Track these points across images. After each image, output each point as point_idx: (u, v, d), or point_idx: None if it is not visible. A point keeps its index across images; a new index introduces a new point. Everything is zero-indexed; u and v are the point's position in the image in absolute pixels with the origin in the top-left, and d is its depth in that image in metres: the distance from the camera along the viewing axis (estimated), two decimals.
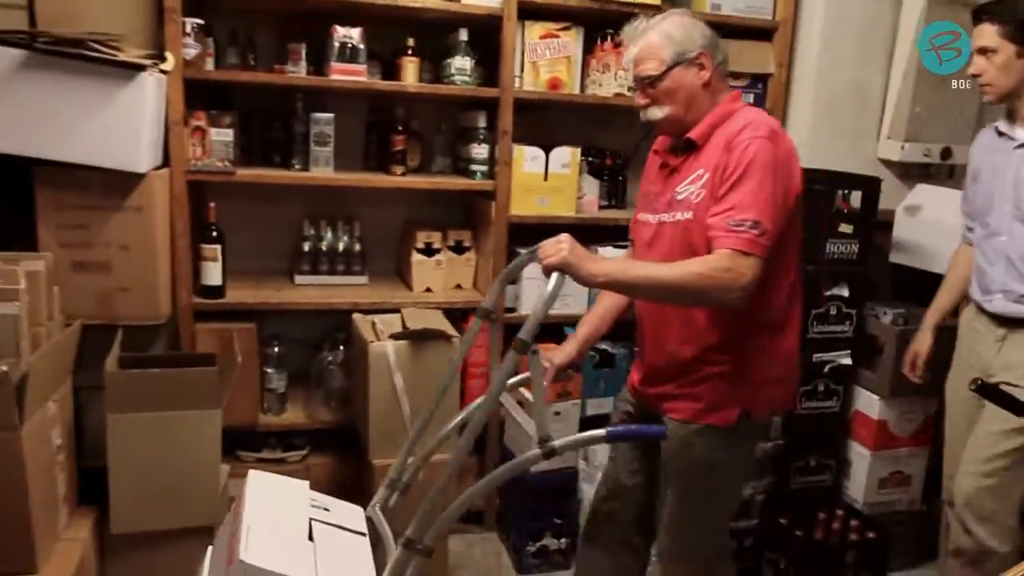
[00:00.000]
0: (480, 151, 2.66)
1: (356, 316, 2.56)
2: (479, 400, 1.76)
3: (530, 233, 2.73)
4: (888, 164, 2.86)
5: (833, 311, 2.54)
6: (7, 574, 1.80)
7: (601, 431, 1.51)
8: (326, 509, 1.70)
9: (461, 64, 2.57)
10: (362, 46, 2.49)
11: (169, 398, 2.08)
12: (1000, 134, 2.12)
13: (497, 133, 2.62)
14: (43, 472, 1.91)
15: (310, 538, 1.53)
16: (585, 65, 2.74)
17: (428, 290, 2.73)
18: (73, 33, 2.04)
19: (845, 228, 2.50)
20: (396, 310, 2.56)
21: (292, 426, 2.66)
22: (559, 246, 1.59)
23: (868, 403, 2.63)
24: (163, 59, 2.23)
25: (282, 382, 2.64)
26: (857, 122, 2.82)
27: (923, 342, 2.33)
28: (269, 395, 2.64)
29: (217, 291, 2.48)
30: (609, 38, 2.69)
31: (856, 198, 2.52)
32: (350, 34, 2.46)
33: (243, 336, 2.49)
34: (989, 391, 1.64)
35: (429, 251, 2.73)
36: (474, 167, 2.67)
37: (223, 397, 2.19)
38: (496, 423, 2.80)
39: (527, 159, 2.67)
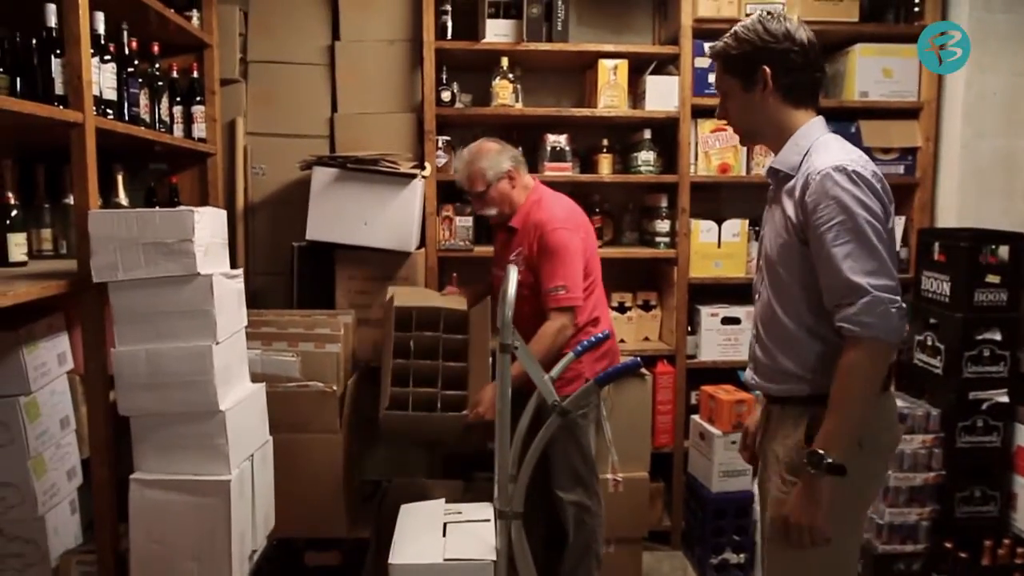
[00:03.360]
0: (663, 226, 3.23)
1: None
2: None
3: (707, 291, 3.28)
4: None
5: (986, 353, 2.83)
6: (329, 537, 2.50)
7: (591, 380, 2.02)
8: (458, 512, 2.34)
9: (646, 157, 3.19)
10: (568, 147, 3.18)
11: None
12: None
13: (677, 210, 3.19)
14: (351, 466, 2.64)
15: (444, 535, 2.17)
16: (750, 150, 3.26)
17: (622, 341, 3.29)
18: (368, 154, 2.86)
19: (992, 279, 2.82)
20: None
21: None
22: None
23: None
24: (423, 167, 3.01)
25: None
26: (1007, 184, 3.13)
27: (751, 418, 2.00)
28: None
29: None
30: None
31: (1004, 251, 2.84)
32: (558, 139, 3.16)
33: None
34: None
35: (622, 309, 3.32)
36: (658, 239, 3.25)
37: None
38: (681, 454, 3.28)
39: (702, 231, 3.20)
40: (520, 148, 3.21)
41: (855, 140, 3.19)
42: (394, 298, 2.60)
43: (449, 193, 3.25)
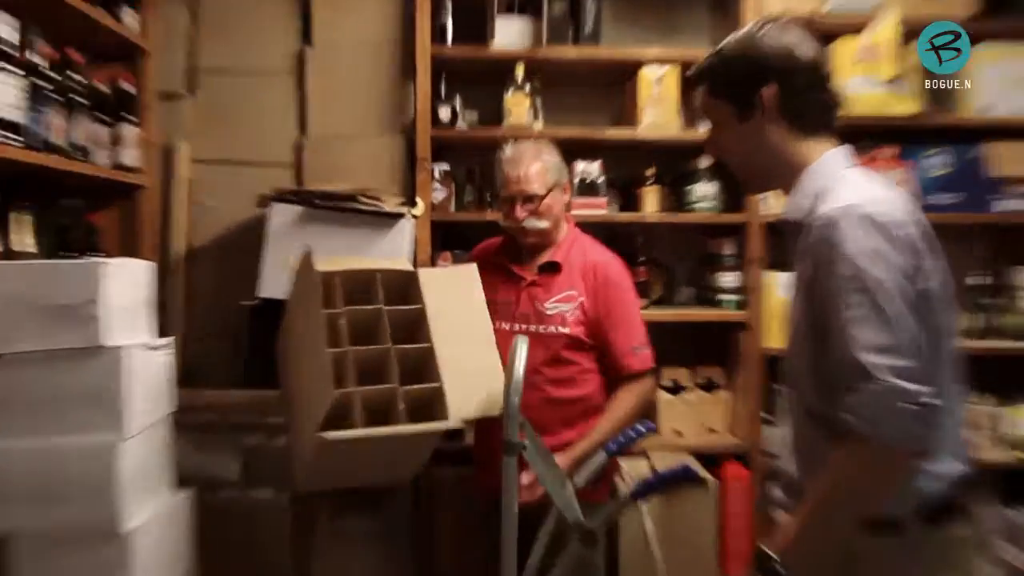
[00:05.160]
0: (728, 279, 3.10)
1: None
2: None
3: None
4: None
5: None
6: None
7: (626, 493, 1.97)
8: None
9: (704, 190, 3.08)
10: (601, 178, 3.07)
11: None
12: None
13: (746, 260, 3.06)
14: None
15: None
16: None
17: (678, 433, 3.12)
18: (344, 189, 2.78)
19: None
20: (644, 453, 2.96)
21: None
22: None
23: None
24: (414, 205, 2.90)
25: None
26: None
27: None
28: None
29: None
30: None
31: None
32: (589, 168, 3.06)
33: None
34: None
35: (675, 389, 3.16)
36: (722, 296, 3.11)
37: None
38: None
39: (780, 286, 3.04)
40: None
41: (976, 168, 3.13)
42: (311, 262, 2.16)
43: (447, 236, 3.17)
